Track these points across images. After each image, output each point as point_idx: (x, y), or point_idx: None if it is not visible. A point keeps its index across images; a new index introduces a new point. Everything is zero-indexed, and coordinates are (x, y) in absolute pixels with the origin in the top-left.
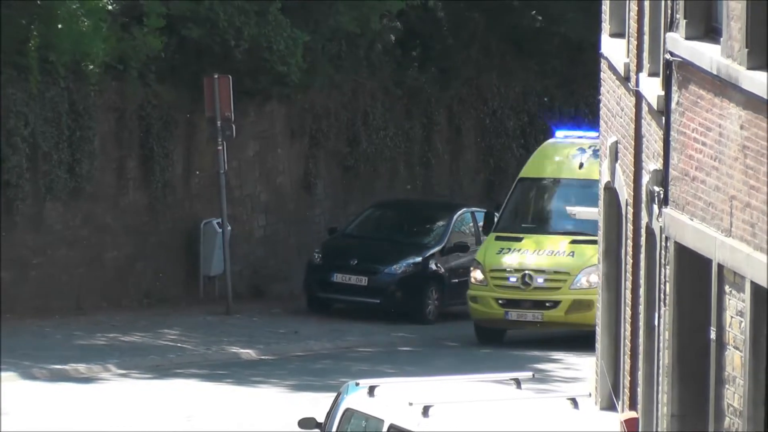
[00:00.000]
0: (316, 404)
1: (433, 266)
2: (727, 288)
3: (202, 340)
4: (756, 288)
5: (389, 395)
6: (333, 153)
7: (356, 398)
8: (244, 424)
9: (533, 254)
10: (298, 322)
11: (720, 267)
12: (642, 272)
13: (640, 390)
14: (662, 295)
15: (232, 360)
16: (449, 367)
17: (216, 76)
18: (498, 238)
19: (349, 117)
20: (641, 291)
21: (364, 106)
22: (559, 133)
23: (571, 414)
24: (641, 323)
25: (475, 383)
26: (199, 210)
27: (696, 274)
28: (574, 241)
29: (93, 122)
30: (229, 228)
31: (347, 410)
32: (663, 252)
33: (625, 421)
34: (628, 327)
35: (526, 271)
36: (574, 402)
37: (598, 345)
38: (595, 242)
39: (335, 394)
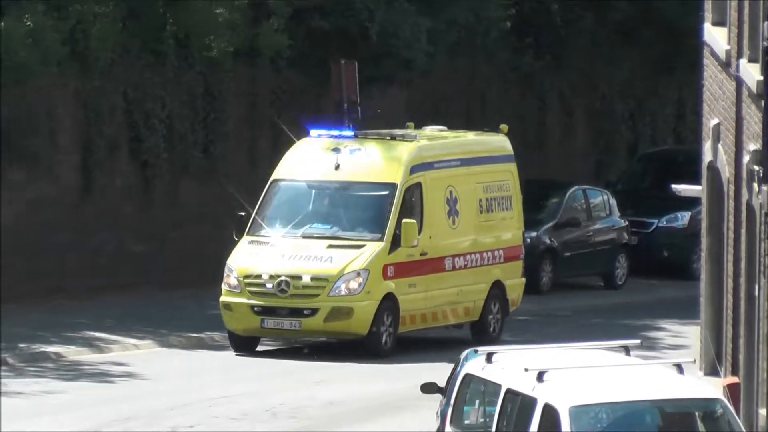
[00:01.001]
0: (437, 371)
1: (546, 240)
2: None
3: None
4: None
5: (506, 362)
6: None
7: (475, 365)
8: (369, 386)
9: (289, 259)
10: None
11: None
12: (743, 246)
13: (741, 356)
14: (762, 268)
15: None
16: (562, 335)
17: (343, 62)
18: (252, 242)
19: (466, 101)
20: (742, 264)
21: (481, 90)
22: (314, 132)
23: (677, 379)
24: (742, 294)
25: (586, 350)
26: None
27: None
28: (331, 246)
29: (226, 105)
30: None
31: (467, 376)
32: (762, 227)
33: (727, 385)
34: (730, 298)
35: (283, 277)
36: (679, 368)
37: (702, 314)
38: (354, 246)
39: (455, 362)
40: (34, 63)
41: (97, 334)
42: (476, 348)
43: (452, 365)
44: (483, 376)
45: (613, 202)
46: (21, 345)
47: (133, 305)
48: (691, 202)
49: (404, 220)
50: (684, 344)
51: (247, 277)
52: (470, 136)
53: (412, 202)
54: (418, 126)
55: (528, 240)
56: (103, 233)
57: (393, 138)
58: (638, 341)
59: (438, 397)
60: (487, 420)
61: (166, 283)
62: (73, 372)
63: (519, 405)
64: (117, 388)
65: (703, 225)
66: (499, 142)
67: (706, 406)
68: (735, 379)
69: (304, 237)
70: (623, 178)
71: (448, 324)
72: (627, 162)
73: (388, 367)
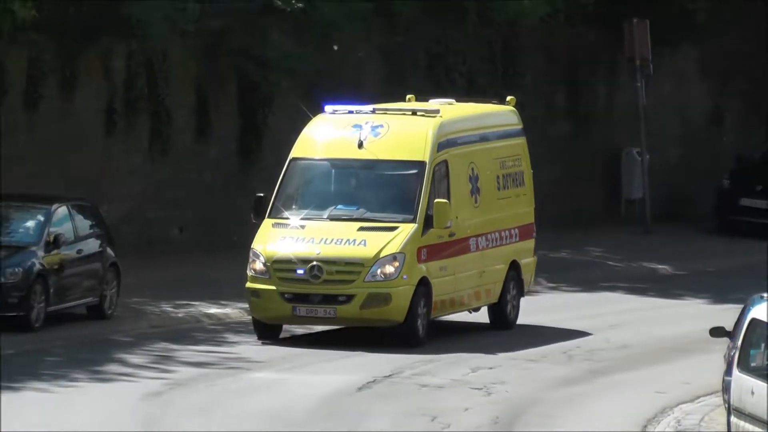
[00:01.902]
0: (726, 315)
1: None
2: None
3: (623, 256)
4: None
5: None
6: (740, 90)
7: (761, 310)
8: (660, 330)
9: (320, 243)
10: (709, 241)
11: None
12: None
13: None
14: None
15: (650, 275)
16: None
17: (635, 21)
18: (276, 225)
19: (755, 55)
20: None
21: None
22: (328, 108)
23: None
24: None
25: None
26: (620, 140)
27: None
28: (362, 228)
29: (525, 61)
30: (647, 156)
31: (753, 321)
32: None
33: None
34: None
35: (315, 263)
36: None
37: None
38: (387, 228)
39: (742, 306)
40: (340, 19)
41: None
42: (762, 294)
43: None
44: None
45: None
46: None
47: None
48: None
49: (437, 201)
50: None
51: (276, 262)
52: (483, 109)
53: (439, 180)
54: (421, 99)
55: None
56: None
57: (414, 113)
58: None
59: (725, 340)
60: None
61: None
62: None
63: None
64: None
65: None
66: (509, 115)
67: None
68: None
69: (331, 219)
70: None
71: (471, 308)
72: None
73: (676, 311)
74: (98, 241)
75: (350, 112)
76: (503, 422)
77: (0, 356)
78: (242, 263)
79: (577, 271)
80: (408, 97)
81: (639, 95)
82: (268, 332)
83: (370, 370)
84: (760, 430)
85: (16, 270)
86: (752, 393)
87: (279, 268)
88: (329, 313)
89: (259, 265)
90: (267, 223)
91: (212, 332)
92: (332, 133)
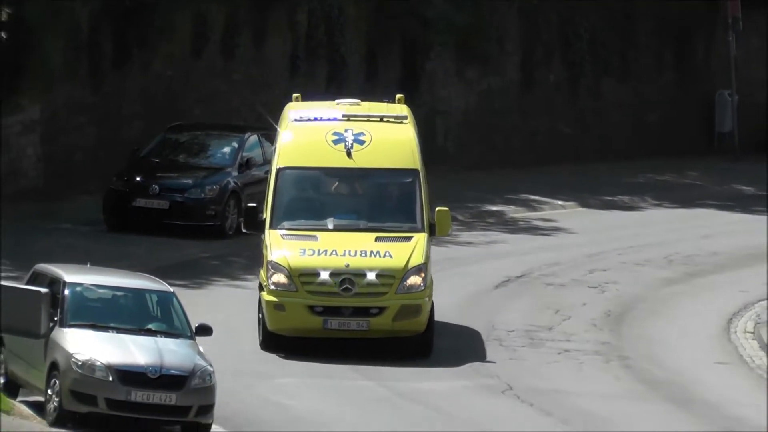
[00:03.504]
0: None
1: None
2: None
3: (715, 180)
4: None
5: None
6: None
7: None
8: (744, 240)
9: (345, 255)
10: None
11: None
12: None
13: None
14: None
15: (737, 195)
16: None
17: None
18: (287, 237)
19: None
20: None
21: None
22: (293, 114)
23: None
24: None
25: None
26: (716, 84)
27: None
28: (379, 239)
29: (641, 19)
30: (737, 97)
31: None
32: None
33: None
34: None
35: (346, 275)
36: None
37: None
38: (402, 238)
39: None
40: None
41: (533, 197)
42: None
43: None
44: None
45: None
46: (469, 204)
47: (562, 175)
48: None
49: (438, 209)
50: None
51: (303, 275)
52: (386, 109)
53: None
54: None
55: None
56: (540, 118)
57: (382, 119)
58: None
59: None
60: None
61: (586, 159)
62: (511, 226)
63: None
64: (546, 239)
65: None
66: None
67: None
68: None
69: (336, 229)
70: None
71: None
72: None
73: (758, 225)
74: (234, 171)
75: (316, 118)
76: (614, 315)
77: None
78: None
79: (676, 192)
80: (294, 96)
81: (731, 47)
82: (285, 346)
83: (505, 271)
84: None
85: (214, 187)
86: None
87: (307, 281)
88: (362, 326)
89: (282, 278)
90: (274, 234)
91: None
92: (315, 142)
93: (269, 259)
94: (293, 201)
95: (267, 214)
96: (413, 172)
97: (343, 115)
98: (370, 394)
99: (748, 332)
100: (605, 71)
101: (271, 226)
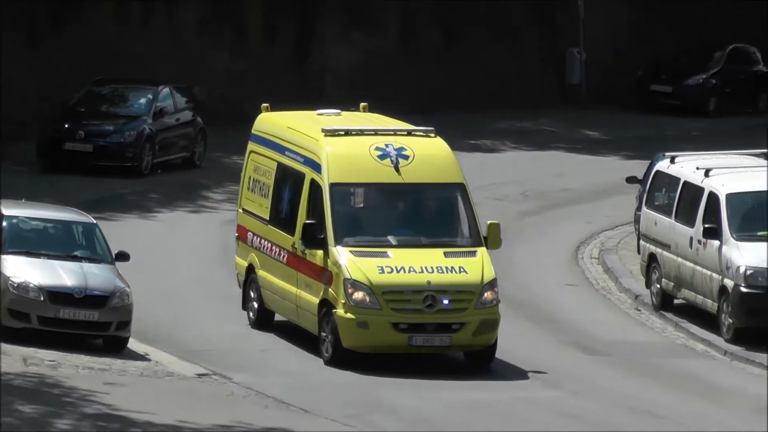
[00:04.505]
0: (638, 167)
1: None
2: None
3: (566, 126)
4: None
5: (684, 163)
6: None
7: (663, 164)
8: (590, 178)
9: (423, 272)
10: (629, 116)
11: None
12: None
13: None
14: None
15: (585, 139)
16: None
17: None
18: (357, 254)
19: None
20: None
21: None
22: (324, 126)
23: None
24: None
25: (741, 156)
26: (567, 42)
27: None
28: (447, 254)
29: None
30: (585, 54)
31: (657, 172)
32: None
33: None
34: None
35: (428, 292)
36: None
37: None
38: (468, 253)
39: (649, 161)
40: None
41: None
42: (664, 153)
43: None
44: (668, 172)
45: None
46: None
47: (432, 123)
48: None
49: (489, 222)
50: None
51: (387, 293)
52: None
53: None
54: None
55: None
56: (419, 74)
57: (409, 133)
58: None
59: (637, 186)
60: (670, 202)
61: (457, 108)
62: None
63: (692, 192)
64: None
65: None
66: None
67: None
68: None
69: (400, 245)
70: None
71: None
72: None
73: (603, 165)
74: (191, 112)
75: (347, 132)
76: None
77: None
78: None
79: (532, 137)
80: (263, 106)
81: (580, 10)
82: (348, 355)
83: None
84: (659, 249)
85: (132, 133)
86: (655, 224)
87: (392, 299)
88: (445, 342)
89: (363, 296)
90: (342, 250)
91: None
92: (360, 156)
93: (346, 276)
94: (350, 217)
95: (330, 230)
96: (460, 187)
97: (374, 130)
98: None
99: (593, 258)
100: (476, 31)
101: (335, 243)
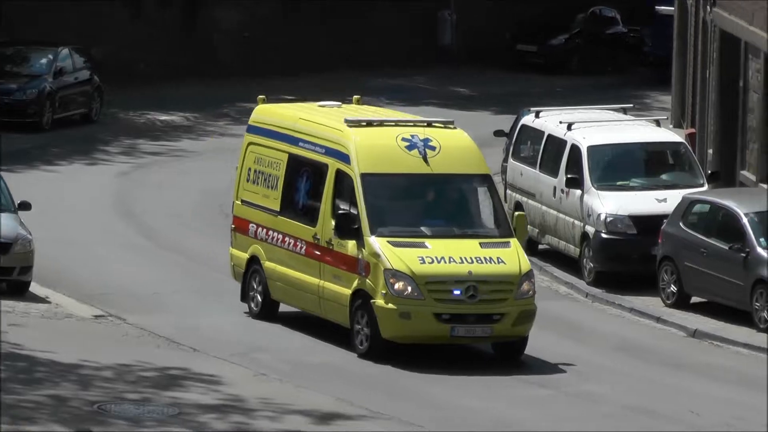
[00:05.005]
0: (505, 122)
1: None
2: (750, 56)
3: (439, 84)
4: (767, 56)
5: (548, 117)
6: None
7: (528, 119)
8: None
9: (463, 263)
10: (500, 75)
11: (746, 43)
12: (699, 47)
13: (697, 116)
14: (710, 60)
15: (456, 95)
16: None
17: None
18: (395, 244)
19: None
20: (698, 58)
21: None
22: (350, 120)
23: (655, 129)
24: (698, 76)
25: (600, 111)
26: (439, 4)
27: (732, 48)
28: (483, 245)
29: None
30: (455, 16)
31: (522, 125)
32: (710, 35)
33: (688, 134)
34: (691, 79)
35: (470, 282)
36: (657, 122)
37: (672, 89)
38: (502, 244)
39: (516, 116)
40: None
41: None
42: (530, 108)
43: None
44: (533, 126)
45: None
46: (237, 104)
47: (311, 80)
48: None
49: (517, 213)
50: (664, 107)
51: (430, 283)
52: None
53: None
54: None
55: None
56: (303, 35)
57: (429, 125)
58: (631, 105)
59: (504, 139)
60: (535, 154)
61: (341, 67)
62: None
63: (556, 145)
64: None
65: (675, 32)
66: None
67: (674, 147)
68: (693, 130)
69: (434, 236)
70: None
71: None
72: None
73: (464, 120)
74: (89, 72)
75: (369, 123)
76: None
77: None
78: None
79: (406, 93)
80: (260, 98)
81: None
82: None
83: None
84: (525, 198)
85: (33, 91)
86: (521, 174)
87: (435, 289)
88: (486, 332)
89: (405, 286)
90: (380, 241)
91: (164, 132)
92: (388, 147)
93: (387, 267)
94: (382, 207)
95: (366, 220)
96: (487, 178)
97: (394, 121)
98: None
99: None
100: None
101: (371, 233)
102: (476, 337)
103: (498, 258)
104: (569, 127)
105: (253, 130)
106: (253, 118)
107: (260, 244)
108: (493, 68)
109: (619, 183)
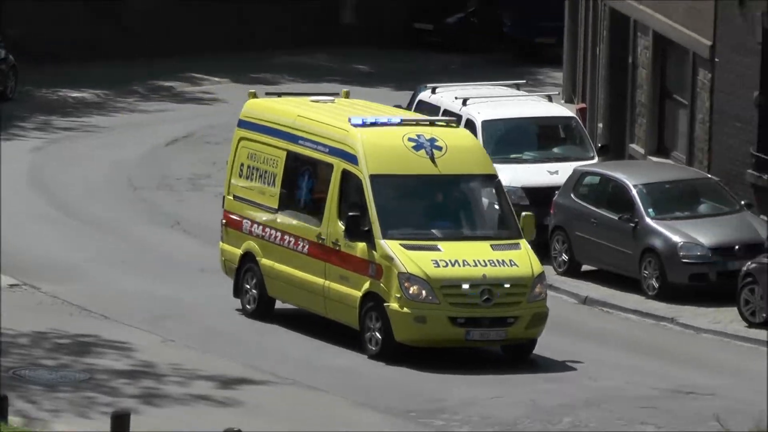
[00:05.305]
0: (403, 98)
1: None
2: (639, 33)
3: (339, 61)
4: (655, 33)
5: (444, 93)
6: None
7: (425, 95)
8: None
9: (477, 265)
10: (386, 51)
11: (635, 21)
12: (590, 26)
13: (587, 90)
14: (600, 37)
15: (357, 72)
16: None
17: None
18: (408, 247)
19: None
20: (584, 30)
21: None
22: (355, 119)
23: (547, 104)
24: (589, 54)
25: (494, 87)
26: None
27: (622, 26)
28: (495, 247)
29: None
30: None
31: (419, 101)
32: (601, 14)
33: (579, 109)
34: (582, 54)
35: (485, 286)
36: (549, 98)
37: (564, 65)
38: (513, 246)
39: (413, 92)
40: None
41: (197, 75)
42: (426, 84)
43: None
44: (430, 101)
45: None
46: (148, 82)
47: (227, 61)
48: None
49: (524, 213)
50: (556, 83)
51: (445, 287)
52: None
53: None
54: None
55: None
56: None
57: (432, 123)
58: (524, 81)
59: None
60: None
61: (250, 48)
62: (179, 98)
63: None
64: (205, 107)
65: (566, 12)
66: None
67: (565, 121)
68: (583, 105)
69: (445, 238)
70: None
71: None
72: None
73: (370, 96)
74: (3, 51)
75: (375, 123)
76: None
77: None
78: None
79: (308, 70)
80: (249, 92)
81: None
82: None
83: (173, 133)
84: None
85: None
86: None
87: (450, 293)
88: (500, 335)
89: (419, 289)
90: (392, 244)
91: (76, 108)
92: (395, 147)
93: (401, 270)
94: (392, 209)
95: (376, 222)
96: (494, 178)
97: (401, 120)
98: None
99: None
100: None
101: (382, 236)
102: (491, 340)
103: (510, 260)
104: (464, 103)
105: (245, 125)
106: (245, 112)
107: (255, 240)
108: (393, 47)
109: (512, 156)
